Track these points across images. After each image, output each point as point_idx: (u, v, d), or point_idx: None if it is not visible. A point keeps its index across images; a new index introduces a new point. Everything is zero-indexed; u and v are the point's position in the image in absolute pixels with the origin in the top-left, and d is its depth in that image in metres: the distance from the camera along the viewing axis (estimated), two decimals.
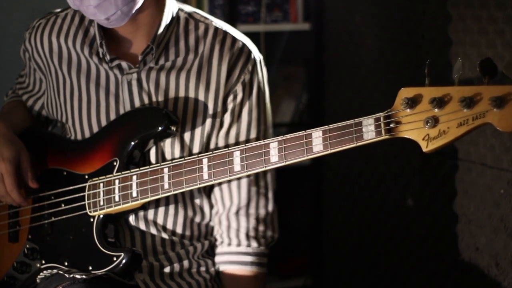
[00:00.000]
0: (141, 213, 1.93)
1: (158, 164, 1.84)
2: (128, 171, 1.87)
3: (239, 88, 1.94)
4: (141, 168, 1.86)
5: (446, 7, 2.37)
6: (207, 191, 2.00)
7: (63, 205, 1.94)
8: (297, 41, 3.31)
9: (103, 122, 1.95)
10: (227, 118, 1.95)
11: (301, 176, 3.19)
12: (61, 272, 1.87)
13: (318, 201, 3.22)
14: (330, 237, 3.18)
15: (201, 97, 1.93)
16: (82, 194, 1.91)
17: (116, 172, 1.88)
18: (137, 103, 1.93)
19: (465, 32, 2.30)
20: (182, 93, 1.93)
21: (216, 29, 1.96)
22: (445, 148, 2.39)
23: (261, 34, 3.13)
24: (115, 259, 1.84)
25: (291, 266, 3.33)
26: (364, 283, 2.94)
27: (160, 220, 1.94)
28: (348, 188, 3.01)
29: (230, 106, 1.94)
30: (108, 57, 1.92)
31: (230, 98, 1.94)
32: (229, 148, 1.75)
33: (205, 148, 1.94)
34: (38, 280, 1.93)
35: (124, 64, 1.93)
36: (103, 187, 1.88)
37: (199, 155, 1.79)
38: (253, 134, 1.96)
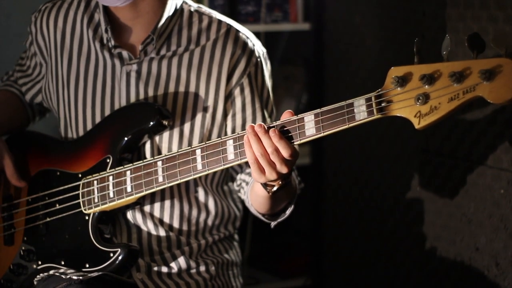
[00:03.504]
0: (137, 208, 1.93)
1: (152, 158, 1.84)
2: (122, 167, 1.86)
3: (245, 81, 1.95)
4: (134, 163, 1.86)
5: (446, 7, 2.36)
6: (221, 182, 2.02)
7: (57, 205, 1.94)
8: (297, 41, 3.30)
9: (98, 111, 1.95)
10: (238, 112, 1.96)
11: (301, 175, 3.18)
12: (57, 274, 1.87)
13: (318, 201, 3.22)
14: (330, 237, 3.17)
15: (202, 87, 1.93)
16: (76, 192, 1.91)
17: (110, 169, 1.88)
18: (133, 95, 1.93)
19: (465, 32, 2.29)
20: (183, 84, 1.93)
21: (220, 22, 1.97)
22: (445, 148, 2.41)
23: (261, 34, 3.12)
24: (111, 255, 1.84)
25: (291, 266, 3.33)
26: (364, 283, 2.94)
27: (156, 213, 1.94)
28: (348, 187, 3.01)
29: (238, 99, 1.95)
30: (112, 43, 1.92)
31: (237, 91, 1.95)
32: (222, 138, 1.74)
33: (206, 140, 1.93)
34: (35, 282, 1.93)
35: (125, 54, 1.93)
36: (97, 184, 1.88)
37: (192, 146, 1.78)
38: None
